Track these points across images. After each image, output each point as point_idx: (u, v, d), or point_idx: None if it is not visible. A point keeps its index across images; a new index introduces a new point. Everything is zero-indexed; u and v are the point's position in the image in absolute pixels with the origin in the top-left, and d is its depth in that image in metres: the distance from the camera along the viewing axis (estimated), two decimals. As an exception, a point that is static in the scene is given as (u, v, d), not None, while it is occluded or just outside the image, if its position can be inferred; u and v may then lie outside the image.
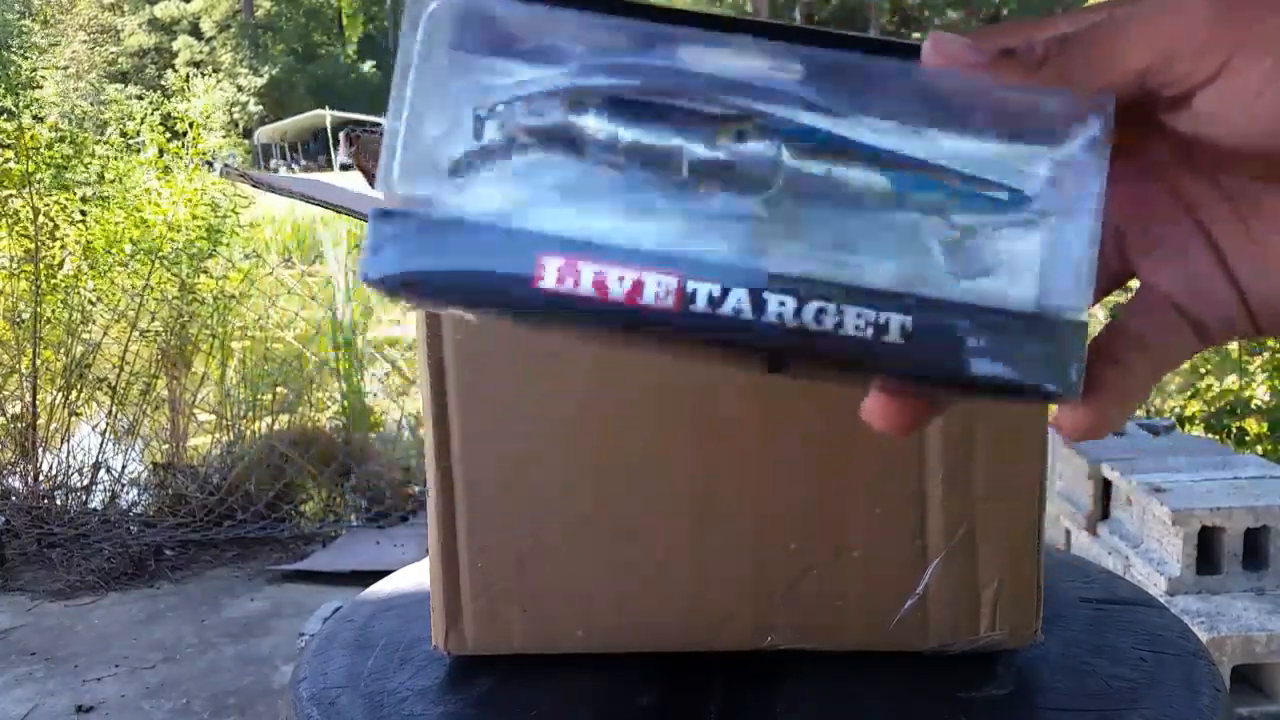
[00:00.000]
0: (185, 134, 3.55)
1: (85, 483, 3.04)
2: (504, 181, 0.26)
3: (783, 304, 0.25)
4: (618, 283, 0.25)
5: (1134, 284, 0.30)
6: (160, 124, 3.67)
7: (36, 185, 3.06)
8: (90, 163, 3.39)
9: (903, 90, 0.27)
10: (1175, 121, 0.27)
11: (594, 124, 0.26)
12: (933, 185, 0.26)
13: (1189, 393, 3.19)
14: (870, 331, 0.25)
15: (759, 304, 0.25)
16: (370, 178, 0.54)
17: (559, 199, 0.25)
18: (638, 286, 0.25)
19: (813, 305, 0.25)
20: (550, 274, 0.25)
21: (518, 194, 0.25)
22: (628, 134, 0.26)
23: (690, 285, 0.25)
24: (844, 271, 0.25)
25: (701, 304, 0.25)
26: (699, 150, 0.26)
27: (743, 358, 0.27)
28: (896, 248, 0.26)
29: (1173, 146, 0.28)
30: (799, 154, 0.26)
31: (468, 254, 0.25)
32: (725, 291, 0.25)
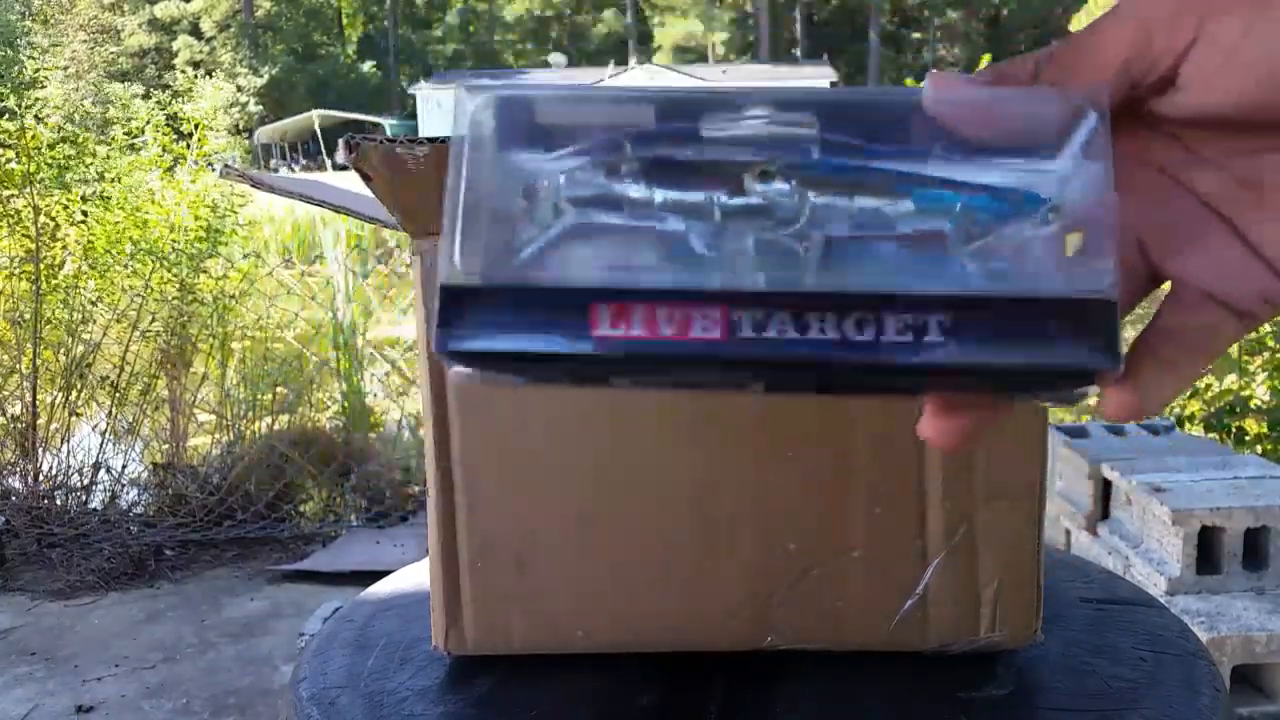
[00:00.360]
0: (190, 135, 3.54)
1: (85, 483, 3.03)
2: (553, 248, 0.28)
3: (824, 319, 0.27)
4: (667, 320, 0.27)
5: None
6: (166, 124, 3.67)
7: (38, 185, 3.06)
8: (91, 163, 3.39)
9: (910, 122, 0.29)
10: (1167, 107, 0.29)
11: (630, 186, 0.28)
12: (951, 197, 0.28)
13: (1189, 393, 3.19)
14: (910, 335, 0.26)
15: (801, 323, 0.27)
16: (369, 181, 0.54)
17: (605, 255, 0.28)
18: (686, 322, 0.27)
19: (852, 317, 0.26)
20: (604, 320, 0.27)
21: (567, 257, 0.28)
22: (661, 191, 0.28)
23: (735, 314, 0.27)
24: (877, 284, 0.27)
25: (747, 330, 0.27)
26: (728, 197, 0.28)
27: (793, 381, 0.29)
28: (924, 257, 0.28)
29: (1174, 145, 0.29)
30: (821, 187, 0.28)
31: (527, 315, 0.27)
32: (768, 316, 0.27)
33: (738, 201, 0.28)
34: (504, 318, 0.27)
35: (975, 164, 0.28)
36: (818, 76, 31.37)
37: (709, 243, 0.28)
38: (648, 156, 0.28)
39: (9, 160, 3.06)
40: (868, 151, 0.28)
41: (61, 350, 3.10)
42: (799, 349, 0.26)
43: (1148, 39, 0.27)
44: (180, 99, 4.52)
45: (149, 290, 3.12)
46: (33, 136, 3.10)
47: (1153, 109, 0.29)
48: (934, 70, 0.29)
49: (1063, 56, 0.29)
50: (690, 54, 43.47)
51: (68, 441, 3.06)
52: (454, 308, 0.27)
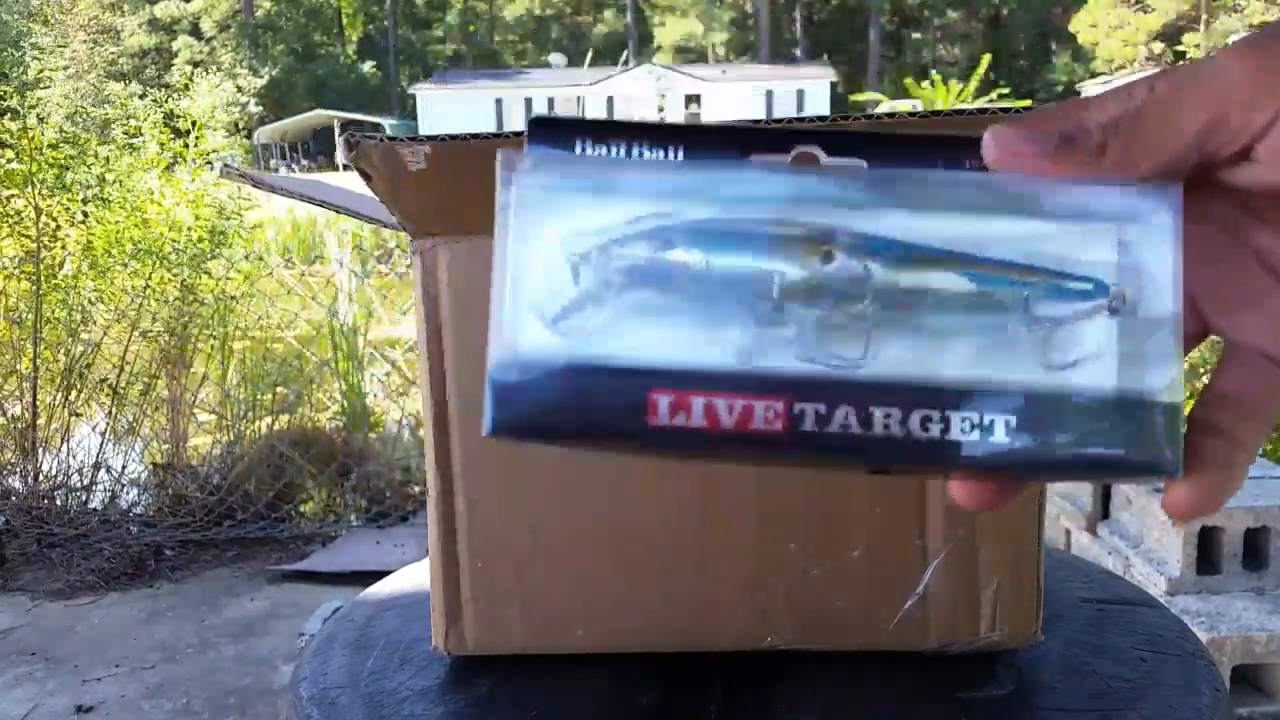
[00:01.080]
0: (188, 133, 3.54)
1: (85, 483, 3.04)
2: (605, 323, 0.27)
3: (888, 415, 0.26)
4: (727, 412, 0.26)
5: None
6: (164, 122, 3.66)
7: (39, 185, 3.06)
8: (92, 164, 3.39)
9: (969, 190, 0.27)
10: (1237, 177, 0.28)
11: (683, 258, 0.27)
12: (1017, 283, 0.27)
13: (1188, 393, 3.19)
14: (976, 434, 0.26)
15: (865, 418, 0.26)
16: (369, 180, 0.54)
17: (660, 334, 0.27)
18: (747, 413, 0.26)
19: (917, 414, 0.26)
20: (662, 409, 0.26)
21: (620, 333, 0.27)
22: (717, 264, 0.27)
23: (797, 407, 0.26)
24: (942, 376, 0.26)
25: (809, 424, 0.26)
26: (788, 274, 0.27)
27: (846, 466, 0.28)
28: (988, 347, 0.27)
29: (1236, 201, 0.29)
30: (886, 267, 0.27)
31: (581, 397, 0.26)
32: (831, 409, 0.26)
33: (797, 277, 0.27)
34: (555, 397, 0.27)
35: (1038, 230, 0.27)
36: (818, 76, 31.43)
37: (769, 323, 0.27)
38: (700, 222, 0.27)
39: (10, 160, 3.06)
40: (925, 208, 0.27)
41: (61, 350, 3.10)
42: (862, 447, 0.26)
43: (1224, 117, 0.27)
44: (177, 97, 4.51)
45: (149, 290, 3.12)
46: (32, 137, 3.10)
47: (1221, 177, 0.28)
48: (995, 127, 0.28)
49: (1131, 130, 0.27)
50: (690, 54, 43.49)
51: (68, 441, 3.06)
52: (503, 385, 0.27)
